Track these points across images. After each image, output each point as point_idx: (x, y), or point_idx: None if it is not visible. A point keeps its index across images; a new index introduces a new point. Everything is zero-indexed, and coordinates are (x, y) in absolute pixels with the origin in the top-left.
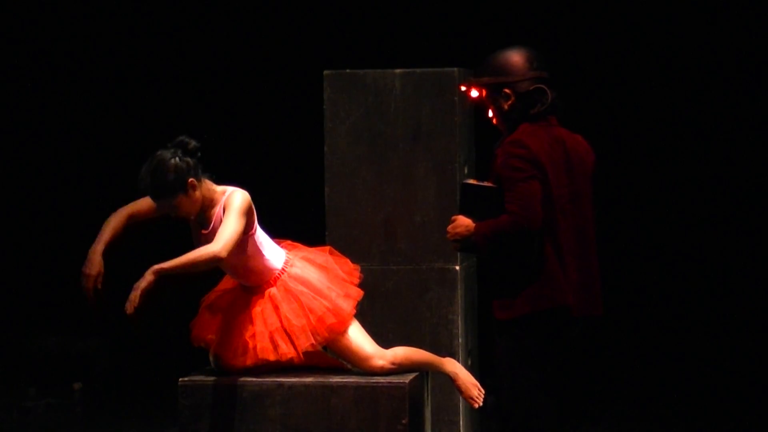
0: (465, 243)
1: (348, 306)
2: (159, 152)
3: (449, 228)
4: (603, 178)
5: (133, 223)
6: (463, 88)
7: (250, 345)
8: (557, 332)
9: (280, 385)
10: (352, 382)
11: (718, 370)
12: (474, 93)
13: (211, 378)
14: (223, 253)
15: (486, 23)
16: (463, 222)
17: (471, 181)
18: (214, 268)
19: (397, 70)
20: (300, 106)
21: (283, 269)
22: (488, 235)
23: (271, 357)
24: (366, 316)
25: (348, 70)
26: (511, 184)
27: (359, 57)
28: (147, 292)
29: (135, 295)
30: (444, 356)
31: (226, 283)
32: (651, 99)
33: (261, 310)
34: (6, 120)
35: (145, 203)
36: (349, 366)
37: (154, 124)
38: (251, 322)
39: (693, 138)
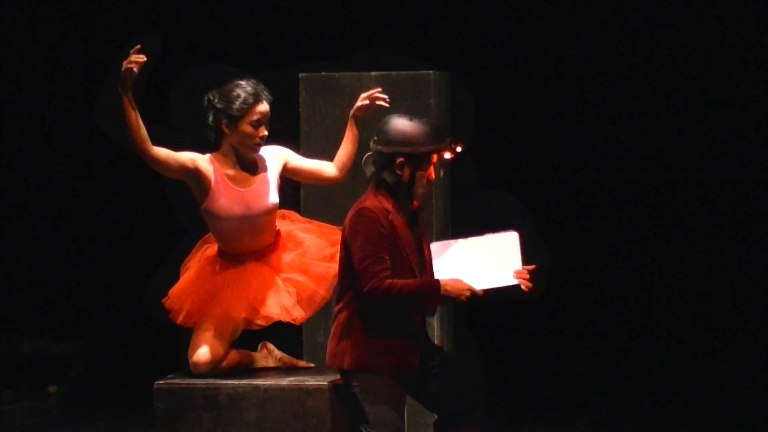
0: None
1: None
2: None
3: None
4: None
5: (150, 150)
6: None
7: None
8: None
9: (256, 387)
10: (328, 384)
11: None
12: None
13: (187, 381)
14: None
15: (460, 26)
16: None
17: None
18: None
19: (373, 73)
20: (275, 109)
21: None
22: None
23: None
24: None
25: (324, 73)
26: None
27: (334, 59)
28: None
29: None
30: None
31: (198, 283)
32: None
33: (292, 243)
34: None
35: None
36: None
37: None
38: (284, 261)
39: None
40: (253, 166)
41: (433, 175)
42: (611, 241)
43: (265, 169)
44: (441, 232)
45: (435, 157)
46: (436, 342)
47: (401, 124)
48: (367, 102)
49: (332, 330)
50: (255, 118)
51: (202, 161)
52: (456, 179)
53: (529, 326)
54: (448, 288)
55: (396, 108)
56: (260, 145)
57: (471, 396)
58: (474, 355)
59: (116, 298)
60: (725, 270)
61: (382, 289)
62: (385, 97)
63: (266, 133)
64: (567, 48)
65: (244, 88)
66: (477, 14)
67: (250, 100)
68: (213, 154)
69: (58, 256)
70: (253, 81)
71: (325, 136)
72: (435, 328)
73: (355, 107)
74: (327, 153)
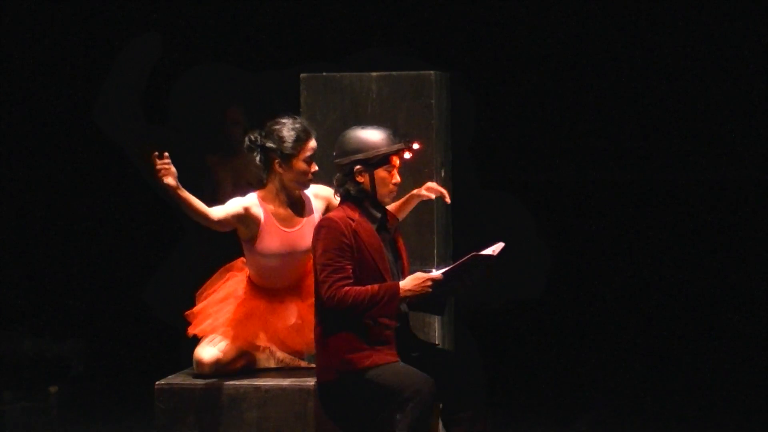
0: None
1: None
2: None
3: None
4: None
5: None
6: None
7: None
8: None
9: (257, 388)
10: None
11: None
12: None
13: (188, 381)
14: None
15: (460, 26)
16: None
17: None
18: None
19: (374, 73)
20: (276, 110)
21: None
22: None
23: None
24: None
25: (324, 74)
26: None
27: (335, 59)
28: None
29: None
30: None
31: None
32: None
33: None
34: None
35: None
36: None
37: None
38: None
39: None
40: (299, 206)
41: (398, 179)
42: (611, 241)
43: (311, 211)
44: (441, 232)
45: (394, 160)
46: (436, 342)
47: (354, 133)
48: (432, 196)
49: (315, 348)
50: (308, 154)
51: (254, 206)
52: (456, 179)
53: (529, 326)
54: (408, 286)
55: (396, 109)
56: (311, 180)
57: (471, 392)
58: (474, 355)
59: (116, 298)
60: (725, 270)
61: (338, 296)
62: (448, 200)
63: (317, 168)
64: (567, 48)
65: (293, 125)
66: (477, 14)
67: (303, 137)
68: (259, 192)
69: (58, 256)
70: (298, 117)
71: (326, 136)
72: (435, 328)
73: (420, 191)
74: (328, 153)
